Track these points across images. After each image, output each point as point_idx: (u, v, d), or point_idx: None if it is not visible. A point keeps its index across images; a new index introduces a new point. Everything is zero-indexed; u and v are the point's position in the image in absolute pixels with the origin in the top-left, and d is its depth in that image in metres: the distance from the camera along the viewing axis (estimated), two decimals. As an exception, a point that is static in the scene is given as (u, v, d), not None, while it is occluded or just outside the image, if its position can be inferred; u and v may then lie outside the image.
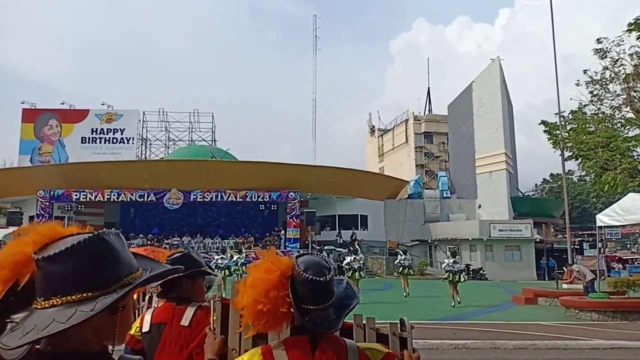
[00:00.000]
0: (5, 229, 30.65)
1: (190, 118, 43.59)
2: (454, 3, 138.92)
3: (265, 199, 30.94)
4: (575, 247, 31.28)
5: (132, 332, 2.39)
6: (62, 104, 40.77)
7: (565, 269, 19.47)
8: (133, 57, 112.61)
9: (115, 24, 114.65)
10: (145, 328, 2.43)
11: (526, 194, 39.46)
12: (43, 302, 0.94)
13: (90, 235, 0.99)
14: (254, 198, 30.59)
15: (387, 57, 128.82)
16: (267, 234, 33.05)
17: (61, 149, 39.02)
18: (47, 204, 29.75)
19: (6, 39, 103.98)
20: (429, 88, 57.28)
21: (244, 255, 21.73)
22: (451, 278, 15.42)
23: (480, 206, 36.95)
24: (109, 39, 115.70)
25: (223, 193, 30.08)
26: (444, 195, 38.96)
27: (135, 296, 3.19)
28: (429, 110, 55.68)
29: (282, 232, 31.60)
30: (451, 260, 15.79)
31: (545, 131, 20.88)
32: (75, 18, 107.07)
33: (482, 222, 33.45)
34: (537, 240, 33.60)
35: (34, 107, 40.17)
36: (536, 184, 65.57)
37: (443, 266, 16.74)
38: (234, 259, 19.84)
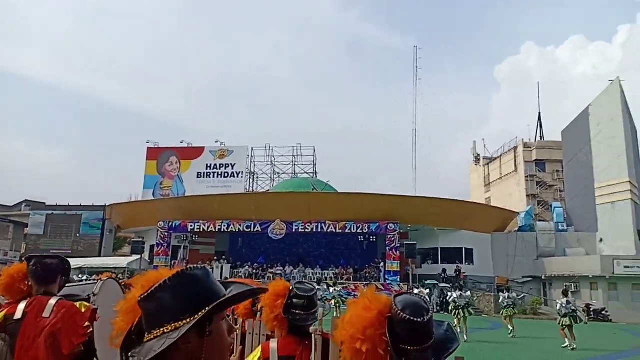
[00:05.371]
0: (130, 257, 33.93)
1: (294, 152, 45.35)
2: (565, 22, 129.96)
3: (364, 230, 30.88)
4: None
5: None
6: (181, 142, 44.43)
7: None
8: (239, 94, 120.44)
9: (222, 66, 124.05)
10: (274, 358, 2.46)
11: (657, 226, 35.06)
12: (148, 336, 1.10)
13: (174, 272, 1.12)
14: (353, 229, 30.67)
15: (492, 83, 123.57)
16: (367, 266, 32.78)
17: (179, 183, 42.49)
18: (166, 234, 32.29)
19: (133, 86, 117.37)
20: (539, 113, 53.93)
21: (340, 287, 21.77)
22: (568, 323, 13.79)
23: (601, 240, 33.52)
24: (216, 79, 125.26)
25: (323, 224, 30.60)
26: (560, 227, 35.96)
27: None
28: (541, 137, 52.34)
29: (382, 264, 31.16)
30: (564, 301, 14.30)
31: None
32: (183, 59, 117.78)
33: (605, 257, 30.31)
34: (673, 279, 29.69)
35: (157, 146, 44.35)
36: (669, 216, 57.94)
37: (557, 308, 15.08)
38: (330, 290, 19.98)
